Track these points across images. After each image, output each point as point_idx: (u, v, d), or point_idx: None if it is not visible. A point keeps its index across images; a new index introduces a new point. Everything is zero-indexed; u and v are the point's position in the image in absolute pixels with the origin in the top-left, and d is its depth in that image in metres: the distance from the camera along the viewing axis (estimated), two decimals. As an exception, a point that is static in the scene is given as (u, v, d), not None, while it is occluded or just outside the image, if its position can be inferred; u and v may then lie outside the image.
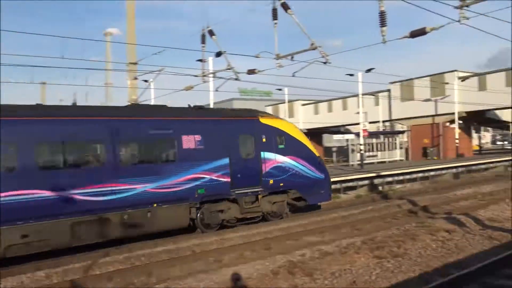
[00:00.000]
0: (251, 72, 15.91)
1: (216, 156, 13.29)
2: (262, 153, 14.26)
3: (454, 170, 28.01)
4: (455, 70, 39.58)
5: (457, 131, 38.09)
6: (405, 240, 10.98)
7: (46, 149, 11.12)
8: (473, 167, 29.79)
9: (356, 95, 38.43)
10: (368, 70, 32.90)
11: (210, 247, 11.53)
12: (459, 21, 10.24)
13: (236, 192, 13.67)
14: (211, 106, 23.44)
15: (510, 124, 55.15)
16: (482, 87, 38.08)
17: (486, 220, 13.01)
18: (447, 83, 38.34)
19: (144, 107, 16.32)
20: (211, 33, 16.20)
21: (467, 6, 10.11)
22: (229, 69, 16.81)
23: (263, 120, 14.91)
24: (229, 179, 13.46)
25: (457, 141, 37.92)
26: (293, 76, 16.14)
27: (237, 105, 61.48)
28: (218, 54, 16.53)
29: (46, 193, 10.49)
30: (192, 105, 14.78)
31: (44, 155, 11.12)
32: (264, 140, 14.41)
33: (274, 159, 14.52)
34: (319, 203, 17.45)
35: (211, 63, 22.69)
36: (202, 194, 12.96)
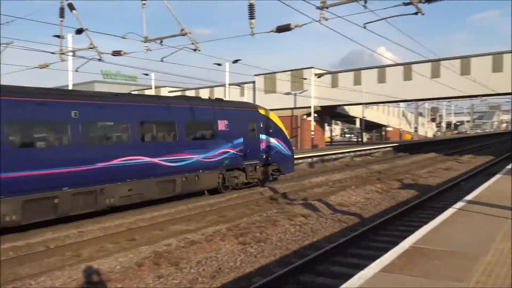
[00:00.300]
0: (116, 53, 14.88)
1: (236, 137, 17.63)
2: (260, 135, 18.95)
3: (309, 160, 30.28)
4: (312, 67, 42.86)
5: (313, 123, 41.35)
6: (267, 225, 11.52)
7: (145, 127, 14.53)
8: (326, 157, 32.63)
9: (223, 85, 39.14)
10: (235, 61, 33.72)
11: (66, 241, 10.60)
12: (319, 21, 10.92)
13: (245, 163, 18.14)
14: (70, 87, 21.49)
15: (357, 119, 62.02)
16: (334, 84, 41.94)
17: (336, 205, 14.38)
18: (305, 79, 41.46)
19: (193, 98, 22.71)
20: (70, 6, 14.69)
21: (327, 7, 10.83)
22: (91, 48, 15.47)
23: (260, 111, 19.52)
24: (242, 154, 17.88)
25: (312, 133, 41.19)
26: (162, 61, 15.61)
27: (99, 88, 57.65)
28: (79, 31, 15.04)
29: (144, 159, 13.85)
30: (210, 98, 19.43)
31: (144, 131, 14.45)
32: (261, 126, 19.08)
33: (267, 140, 19.31)
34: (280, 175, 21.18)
35: (70, 41, 20.66)
36: (227, 164, 17.19)
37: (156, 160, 14.30)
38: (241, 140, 17.91)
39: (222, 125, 17.16)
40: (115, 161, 13.02)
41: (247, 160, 18.30)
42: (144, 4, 13.59)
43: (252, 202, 15.60)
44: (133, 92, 19.18)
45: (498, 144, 56.37)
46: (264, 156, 19.18)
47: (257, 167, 18.92)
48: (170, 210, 14.46)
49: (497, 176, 15.02)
